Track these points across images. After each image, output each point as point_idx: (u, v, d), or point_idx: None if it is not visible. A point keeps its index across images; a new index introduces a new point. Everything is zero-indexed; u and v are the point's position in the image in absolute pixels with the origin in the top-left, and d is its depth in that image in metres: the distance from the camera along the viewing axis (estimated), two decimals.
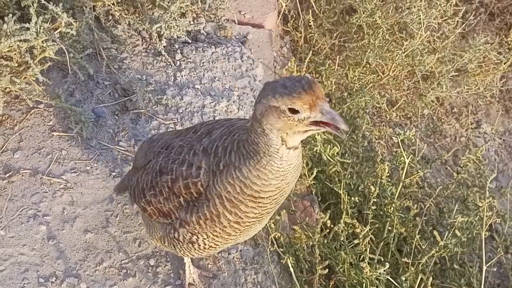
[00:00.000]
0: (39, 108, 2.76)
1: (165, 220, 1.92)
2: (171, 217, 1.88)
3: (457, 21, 3.79)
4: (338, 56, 3.73)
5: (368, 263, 2.28)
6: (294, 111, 1.48)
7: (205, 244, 1.88)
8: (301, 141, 1.62)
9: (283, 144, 1.56)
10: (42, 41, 2.48)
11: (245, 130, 1.65)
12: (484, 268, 2.41)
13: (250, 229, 1.85)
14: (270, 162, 1.59)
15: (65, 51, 2.52)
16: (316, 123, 1.50)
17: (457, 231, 2.57)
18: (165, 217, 1.90)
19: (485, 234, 2.46)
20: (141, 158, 2.14)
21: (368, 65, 3.71)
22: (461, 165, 2.97)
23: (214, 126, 1.84)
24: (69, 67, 2.64)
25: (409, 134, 2.72)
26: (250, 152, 1.61)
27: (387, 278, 2.33)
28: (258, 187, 1.63)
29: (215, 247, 1.93)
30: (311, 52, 3.72)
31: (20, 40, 2.45)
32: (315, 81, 1.50)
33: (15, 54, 2.54)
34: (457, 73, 3.88)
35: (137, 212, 2.44)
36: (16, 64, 2.58)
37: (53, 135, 2.67)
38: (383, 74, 3.77)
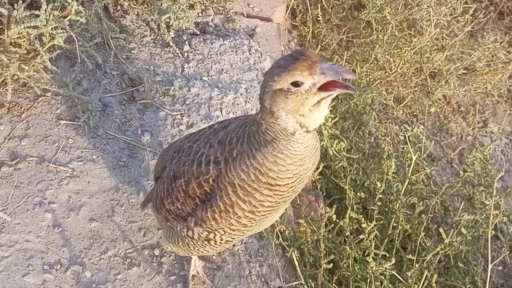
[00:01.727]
0: (47, 96, 2.75)
1: (181, 221, 1.89)
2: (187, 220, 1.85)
3: (467, 19, 3.77)
4: (345, 52, 3.71)
5: (373, 258, 2.28)
6: (296, 84, 1.44)
7: (221, 240, 1.85)
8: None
9: (302, 128, 1.52)
10: (52, 29, 2.47)
11: (254, 121, 1.62)
12: (490, 267, 2.40)
13: (266, 219, 1.80)
14: (287, 146, 1.55)
15: (75, 38, 2.51)
16: (324, 87, 1.44)
17: (462, 229, 2.57)
18: (185, 221, 1.87)
19: (490, 233, 2.45)
20: (158, 165, 2.14)
21: (375, 62, 3.69)
22: (468, 164, 2.97)
23: (231, 121, 1.81)
24: (78, 55, 2.63)
25: (417, 131, 2.72)
26: (262, 141, 1.57)
27: (391, 274, 2.33)
28: (274, 174, 1.59)
29: (231, 241, 1.89)
30: (319, 47, 3.71)
31: (30, 27, 2.44)
32: (306, 48, 1.47)
33: (24, 41, 2.54)
34: (465, 72, 3.87)
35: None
36: (25, 51, 2.58)
37: (60, 123, 2.67)
38: (391, 70, 3.75)
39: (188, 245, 1.95)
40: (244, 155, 1.62)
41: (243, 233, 1.84)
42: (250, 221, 1.75)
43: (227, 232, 1.80)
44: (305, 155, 1.59)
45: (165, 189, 1.88)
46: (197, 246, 1.93)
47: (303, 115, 1.49)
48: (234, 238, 1.86)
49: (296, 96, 1.45)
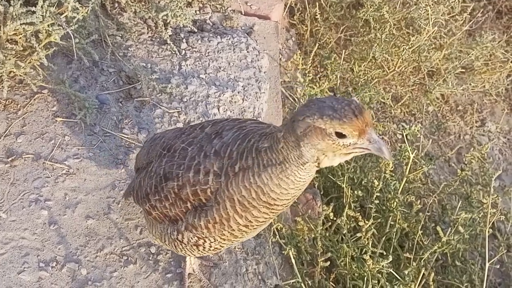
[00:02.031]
0: (43, 93, 2.74)
1: (171, 224, 1.88)
2: (177, 222, 1.84)
3: (465, 18, 3.77)
4: (343, 51, 3.71)
5: (370, 257, 2.27)
6: (341, 135, 1.42)
7: (210, 246, 1.85)
8: None
9: (315, 163, 1.51)
10: (48, 25, 2.46)
11: (264, 136, 1.60)
12: (487, 265, 2.39)
13: (256, 230, 1.82)
14: (294, 172, 1.54)
15: (71, 35, 2.50)
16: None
17: (460, 228, 2.56)
18: (171, 222, 1.86)
19: (488, 232, 2.44)
20: (142, 157, 2.10)
21: (374, 60, 3.69)
22: (466, 162, 2.96)
23: (224, 127, 1.77)
24: (74, 51, 2.61)
25: (414, 129, 2.71)
26: (272, 159, 1.56)
27: (389, 272, 2.32)
28: (275, 195, 1.60)
29: (220, 249, 1.89)
30: (317, 45, 3.71)
31: (26, 24, 2.43)
32: (364, 106, 1.45)
33: (20, 38, 2.53)
34: (463, 70, 3.86)
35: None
36: (21, 48, 2.56)
37: (56, 120, 2.66)
38: (389, 69, 3.75)
39: (175, 247, 1.93)
40: (248, 172, 1.60)
41: (232, 242, 1.85)
42: (242, 233, 1.77)
43: (217, 240, 1.80)
44: (307, 181, 1.61)
45: (152, 185, 1.86)
46: (184, 250, 1.93)
47: (326, 156, 1.49)
48: (223, 246, 1.87)
49: (333, 143, 1.44)
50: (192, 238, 1.82)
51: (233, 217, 1.68)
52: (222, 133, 1.74)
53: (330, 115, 1.41)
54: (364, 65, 3.67)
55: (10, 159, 2.48)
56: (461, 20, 3.75)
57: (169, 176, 1.79)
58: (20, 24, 2.41)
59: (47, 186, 2.43)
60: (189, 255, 2.00)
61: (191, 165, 1.73)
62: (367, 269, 2.26)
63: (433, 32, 3.53)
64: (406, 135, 2.74)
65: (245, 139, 1.65)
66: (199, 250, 1.89)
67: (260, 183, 1.58)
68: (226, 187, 1.65)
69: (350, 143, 1.44)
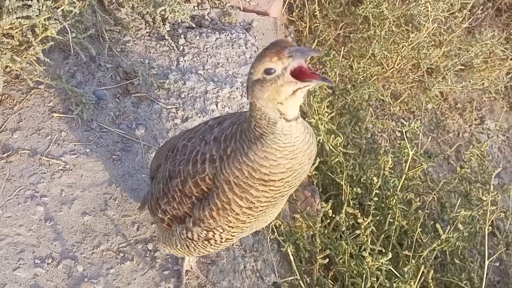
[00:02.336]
0: (40, 88, 2.71)
1: (182, 225, 1.87)
2: (185, 221, 1.83)
3: (465, 15, 3.75)
4: (342, 47, 3.68)
5: (369, 254, 2.25)
6: (269, 72, 1.42)
7: (221, 238, 1.83)
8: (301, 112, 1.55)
9: (281, 117, 1.51)
10: (44, 19, 2.44)
11: (247, 119, 1.61)
12: (486, 263, 2.37)
13: (265, 214, 1.79)
14: (274, 139, 1.54)
15: (68, 29, 2.47)
16: (298, 77, 1.43)
17: (459, 225, 2.55)
18: (182, 222, 1.85)
19: (487, 229, 2.43)
20: (153, 165, 2.12)
21: (373, 57, 3.67)
22: (465, 160, 2.95)
23: (226, 117, 1.80)
24: (71, 46, 2.59)
25: (414, 126, 2.70)
26: (252, 138, 1.57)
27: (388, 270, 2.31)
28: (267, 169, 1.58)
29: (232, 239, 1.87)
30: (315, 42, 3.68)
31: (22, 17, 2.40)
32: (282, 39, 1.45)
33: (16, 32, 2.50)
34: (462, 68, 3.84)
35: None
36: (17, 43, 2.53)
37: (53, 116, 2.63)
38: (388, 66, 3.73)
39: (187, 247, 1.92)
40: (237, 153, 1.61)
41: (242, 230, 1.82)
42: (249, 217, 1.73)
43: (226, 229, 1.78)
44: (295, 148, 1.57)
45: (160, 189, 1.87)
46: (197, 248, 1.91)
47: (280, 103, 1.48)
48: (234, 236, 1.84)
49: (271, 84, 1.44)
50: (201, 233, 1.81)
51: (233, 199, 1.66)
52: (223, 122, 1.76)
53: (253, 64, 1.46)
54: (363, 62, 3.65)
55: (5, 154, 2.46)
56: (461, 17, 3.72)
57: (172, 175, 1.80)
58: (16, 18, 2.39)
59: (43, 182, 2.40)
60: (203, 253, 1.98)
61: (189, 158, 1.74)
62: (366, 267, 2.24)
63: (432, 29, 3.51)
64: (405, 132, 2.72)
65: (236, 124, 1.67)
66: (211, 245, 1.87)
67: (248, 161, 1.58)
68: (221, 171, 1.65)
69: (281, 71, 1.42)
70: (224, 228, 1.77)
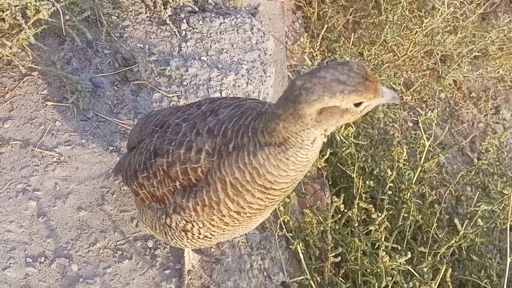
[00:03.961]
0: (33, 75, 2.58)
1: (158, 205, 1.75)
2: (165, 203, 1.71)
3: (480, 0, 3.60)
4: (352, 34, 3.55)
5: (385, 252, 2.12)
6: (358, 104, 1.33)
7: (199, 234, 1.72)
8: None
9: (322, 135, 1.41)
10: (36, 0, 2.28)
11: (259, 115, 1.47)
12: (508, 260, 2.24)
13: (251, 221, 1.69)
14: (296, 153, 1.42)
15: (60, 11, 2.32)
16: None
17: (479, 220, 2.42)
18: (159, 203, 1.74)
19: (509, 224, 2.29)
20: (134, 135, 1.98)
21: (384, 44, 3.53)
22: (482, 151, 2.81)
23: (220, 105, 1.66)
24: (63, 29, 2.44)
25: (431, 115, 2.55)
26: (272, 140, 1.42)
27: (405, 269, 2.17)
28: (272, 177, 1.46)
29: (210, 238, 1.75)
30: (324, 28, 3.53)
31: None
32: (360, 63, 1.33)
33: (6, 15, 2.35)
34: (477, 55, 3.70)
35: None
36: (8, 26, 2.39)
37: (46, 104, 2.50)
38: (400, 53, 3.58)
39: (165, 234, 1.81)
40: (243, 151, 1.47)
41: (223, 231, 1.71)
42: (233, 221, 1.63)
43: (206, 226, 1.67)
44: (309, 162, 1.47)
45: (141, 162, 1.74)
46: (174, 238, 1.80)
47: (334, 125, 1.40)
48: (213, 235, 1.73)
49: (351, 115, 1.36)
50: (180, 222, 1.69)
51: (224, 201, 1.55)
52: (218, 111, 1.63)
53: (342, 90, 1.30)
54: (374, 49, 3.52)
55: None
56: (477, 1, 3.57)
57: (159, 152, 1.67)
58: None
59: (36, 175, 2.27)
60: (180, 245, 1.88)
61: (183, 142, 1.61)
62: (382, 266, 2.10)
63: (447, 13, 3.35)
64: (421, 122, 2.58)
65: (242, 117, 1.53)
66: (187, 238, 1.76)
67: (255, 164, 1.45)
68: (218, 168, 1.52)
69: (365, 106, 1.36)
70: (204, 224, 1.66)
